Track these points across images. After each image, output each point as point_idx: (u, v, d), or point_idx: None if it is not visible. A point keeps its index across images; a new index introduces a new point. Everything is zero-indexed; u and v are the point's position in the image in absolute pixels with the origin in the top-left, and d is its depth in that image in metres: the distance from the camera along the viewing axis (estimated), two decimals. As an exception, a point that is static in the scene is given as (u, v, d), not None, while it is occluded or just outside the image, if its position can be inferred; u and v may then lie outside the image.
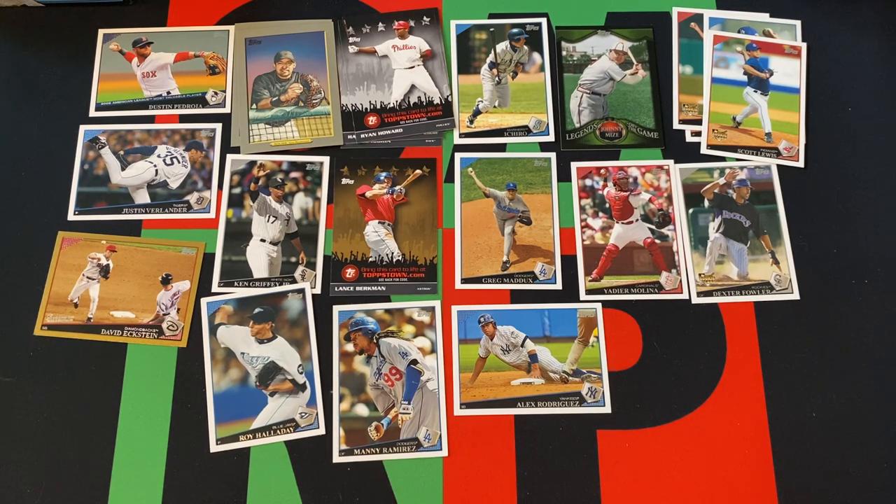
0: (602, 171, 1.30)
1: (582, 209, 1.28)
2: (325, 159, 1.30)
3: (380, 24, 1.39)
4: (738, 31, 1.39)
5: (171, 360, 1.18)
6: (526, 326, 1.20)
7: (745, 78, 1.36)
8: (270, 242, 1.25)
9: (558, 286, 1.23)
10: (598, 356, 1.18)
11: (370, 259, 1.24)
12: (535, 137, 1.32)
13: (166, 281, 1.22)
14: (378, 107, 1.33)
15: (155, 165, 1.29)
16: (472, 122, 1.33)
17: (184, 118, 1.33)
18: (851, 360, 1.18)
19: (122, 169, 1.29)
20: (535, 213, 1.27)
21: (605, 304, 1.21)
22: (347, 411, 1.15)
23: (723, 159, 1.31)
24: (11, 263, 1.23)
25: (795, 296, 1.22)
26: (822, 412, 1.15)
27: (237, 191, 1.28)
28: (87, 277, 1.22)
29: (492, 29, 1.39)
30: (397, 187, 1.28)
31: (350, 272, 1.23)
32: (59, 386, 1.16)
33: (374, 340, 1.18)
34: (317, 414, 1.15)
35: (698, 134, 1.32)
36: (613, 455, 1.13)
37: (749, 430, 1.14)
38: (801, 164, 1.30)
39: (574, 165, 1.30)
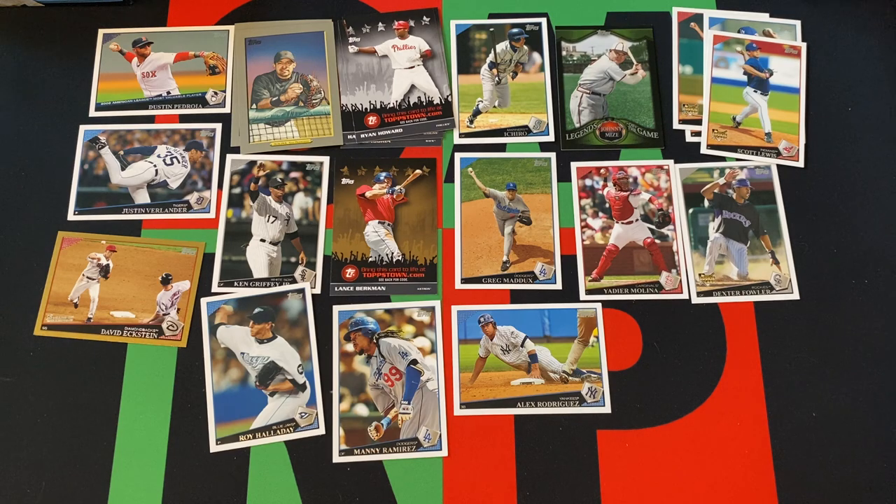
0: (602, 171, 1.30)
1: (582, 209, 1.28)
2: (325, 159, 1.30)
3: (380, 24, 1.39)
4: (738, 31, 1.39)
5: (171, 360, 1.18)
6: (526, 326, 1.20)
7: (745, 78, 1.36)
8: (270, 242, 1.25)
9: (558, 286, 1.23)
10: (598, 356, 1.18)
11: (370, 259, 1.24)
12: (535, 137, 1.32)
13: (166, 281, 1.22)
14: (378, 107, 1.33)
15: (155, 165, 1.29)
16: (472, 122, 1.33)
17: (184, 118, 1.33)
18: (851, 360, 1.18)
19: (122, 169, 1.29)
20: (535, 213, 1.27)
21: (605, 304, 1.21)
22: (347, 411, 1.15)
23: (723, 159, 1.31)
24: (11, 263, 1.23)
25: (795, 296, 1.22)
26: (822, 412, 1.15)
27: (237, 191, 1.28)
28: (87, 277, 1.22)
29: (492, 29, 1.39)
30: (397, 187, 1.28)
31: (350, 272, 1.23)
32: (59, 386, 1.16)
33: (374, 340, 1.18)
34: (317, 414, 1.15)
35: (698, 134, 1.32)
36: (613, 455, 1.13)
37: (749, 430, 1.14)
38: (801, 164, 1.30)
39: (574, 165, 1.30)
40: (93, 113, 1.33)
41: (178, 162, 1.30)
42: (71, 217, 1.26)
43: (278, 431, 1.14)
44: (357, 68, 1.36)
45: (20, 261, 1.23)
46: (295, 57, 1.37)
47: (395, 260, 1.24)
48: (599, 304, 1.21)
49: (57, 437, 1.14)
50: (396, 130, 1.31)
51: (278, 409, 1.15)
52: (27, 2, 1.38)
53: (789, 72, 1.36)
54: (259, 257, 1.24)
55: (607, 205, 1.28)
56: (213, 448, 1.13)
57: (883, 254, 1.24)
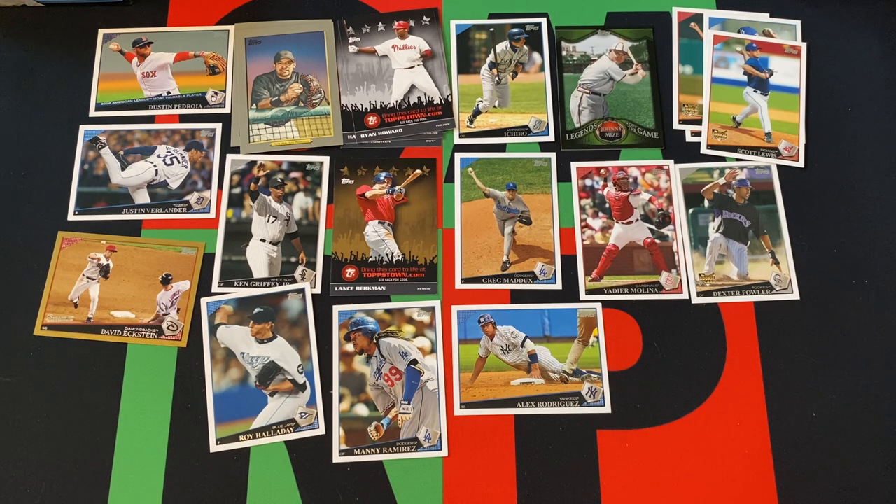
0: (602, 171, 1.30)
1: (582, 209, 1.28)
2: (325, 159, 1.30)
3: (380, 24, 1.39)
4: (738, 31, 1.39)
5: (171, 360, 1.18)
6: (526, 326, 1.20)
7: (745, 78, 1.36)
8: (270, 242, 1.25)
9: (558, 286, 1.23)
10: (598, 356, 1.18)
11: (370, 259, 1.24)
12: (535, 137, 1.32)
13: (166, 281, 1.22)
14: (378, 107, 1.33)
15: (155, 165, 1.29)
16: (472, 122, 1.33)
17: (184, 118, 1.33)
18: (851, 360, 1.18)
19: (122, 169, 1.29)
20: (535, 213, 1.27)
21: (605, 304, 1.21)
22: (347, 411, 1.15)
23: (723, 159, 1.31)
24: (11, 263, 1.23)
25: (795, 296, 1.22)
26: (822, 412, 1.15)
27: (237, 191, 1.28)
28: (87, 277, 1.22)
29: (492, 29, 1.39)
30: (397, 187, 1.28)
31: (350, 272, 1.23)
32: (59, 386, 1.16)
33: (374, 340, 1.18)
34: (317, 414, 1.15)
35: (698, 134, 1.32)
36: (613, 455, 1.13)
37: (749, 430, 1.14)
38: (801, 164, 1.30)
39: (574, 165, 1.30)
40: (93, 113, 1.33)
41: (178, 162, 1.30)
42: (71, 217, 1.26)
43: (278, 431, 1.14)
44: (357, 68, 1.36)
45: (20, 261, 1.23)
46: (295, 57, 1.37)
47: (395, 260, 1.24)
48: (599, 304, 1.21)
49: (57, 437, 1.14)
50: (396, 130, 1.31)
51: (278, 409, 1.15)
52: (27, 2, 1.38)
53: (789, 72, 1.36)
54: (259, 257, 1.24)
55: (607, 205, 1.28)
56: (213, 448, 1.13)
57: (883, 254, 1.24)
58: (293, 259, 1.24)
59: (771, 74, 1.35)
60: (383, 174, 1.29)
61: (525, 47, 1.38)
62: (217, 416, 1.14)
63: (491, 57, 1.37)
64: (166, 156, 1.30)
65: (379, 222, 1.26)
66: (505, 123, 1.33)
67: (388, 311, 1.21)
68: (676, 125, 1.33)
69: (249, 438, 1.13)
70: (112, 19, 1.39)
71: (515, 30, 1.38)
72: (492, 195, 1.28)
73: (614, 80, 1.36)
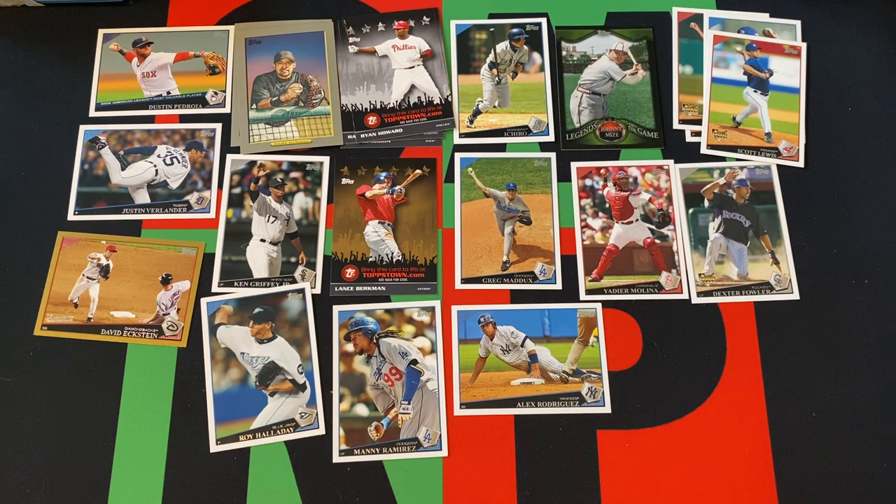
0: (602, 171, 1.30)
1: (582, 209, 1.28)
2: (325, 159, 1.30)
3: (380, 24, 1.39)
4: (738, 31, 1.39)
5: (171, 360, 1.18)
6: (526, 326, 1.20)
7: (745, 78, 1.36)
8: (270, 242, 1.25)
9: (558, 286, 1.23)
10: (598, 356, 1.18)
11: (370, 259, 1.24)
12: (535, 137, 1.32)
13: (166, 281, 1.22)
14: (378, 107, 1.33)
15: (155, 165, 1.29)
16: (472, 122, 1.33)
17: (184, 118, 1.33)
18: (851, 360, 1.18)
19: (122, 169, 1.29)
20: (535, 213, 1.27)
21: (605, 304, 1.21)
22: (347, 411, 1.15)
23: (723, 159, 1.31)
24: (11, 263, 1.23)
25: (795, 296, 1.22)
26: (822, 412, 1.15)
27: (237, 191, 1.28)
28: (87, 277, 1.22)
29: (492, 29, 1.39)
30: (397, 187, 1.28)
31: (350, 272, 1.23)
32: (59, 386, 1.16)
33: (374, 340, 1.18)
34: (317, 414, 1.15)
35: (698, 134, 1.32)
36: (613, 455, 1.13)
37: (749, 430, 1.14)
38: (801, 164, 1.30)
39: (574, 165, 1.30)
40: (93, 113, 1.33)
41: (178, 162, 1.30)
42: (71, 217, 1.26)
43: (278, 431, 1.14)
44: (357, 68, 1.36)
45: (20, 261, 1.23)
46: (295, 57, 1.37)
47: (395, 260, 1.24)
48: (599, 304, 1.21)
49: (57, 437, 1.13)
50: (396, 130, 1.31)
51: (278, 409, 1.15)
52: (27, 2, 1.38)
53: (789, 72, 1.36)
54: (259, 257, 1.24)
55: (607, 205, 1.28)
56: (213, 448, 1.13)
57: (883, 254, 1.24)
58: (293, 259, 1.24)
59: (771, 74, 1.35)
60: (383, 174, 1.29)
61: (525, 47, 1.38)
62: (217, 416, 1.14)
63: (491, 57, 1.37)
64: (166, 156, 1.30)
65: (379, 222, 1.26)
66: (505, 123, 1.33)
67: (388, 311, 1.21)
68: (676, 125, 1.33)
69: (249, 438, 1.13)
70: (112, 19, 1.39)
71: (515, 30, 1.38)
72: (492, 195, 1.28)
73: (614, 80, 1.36)
